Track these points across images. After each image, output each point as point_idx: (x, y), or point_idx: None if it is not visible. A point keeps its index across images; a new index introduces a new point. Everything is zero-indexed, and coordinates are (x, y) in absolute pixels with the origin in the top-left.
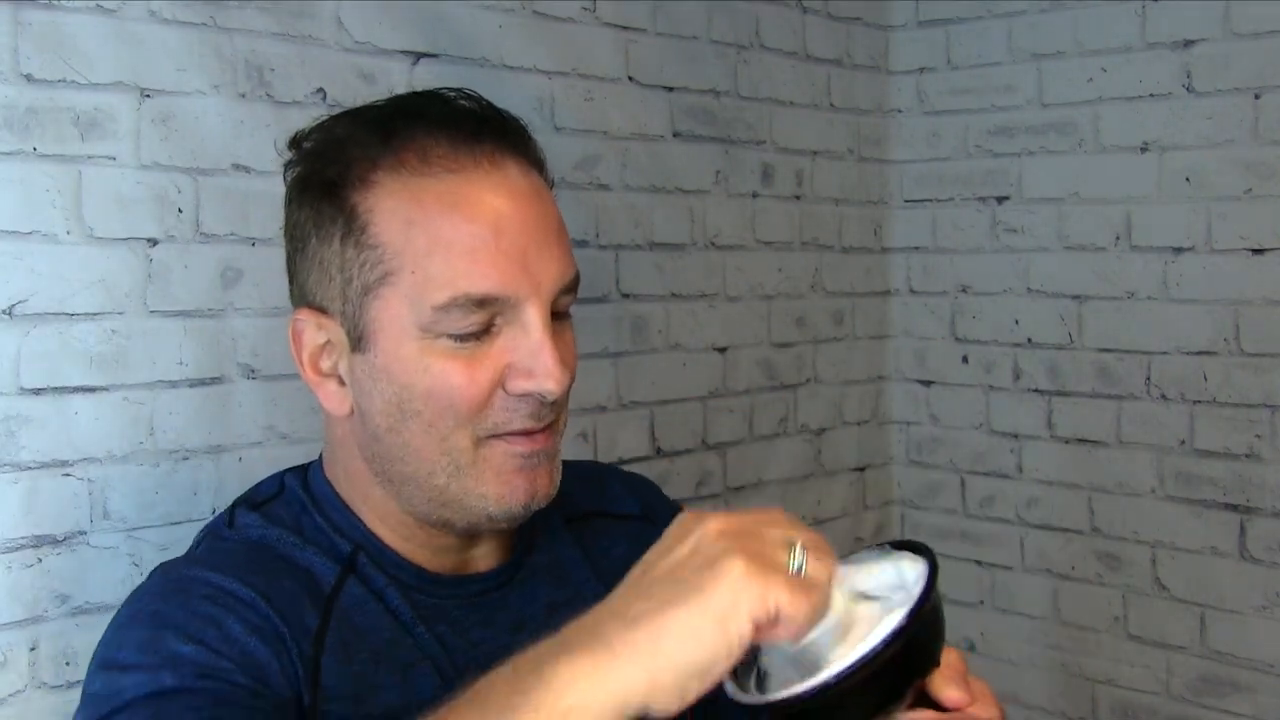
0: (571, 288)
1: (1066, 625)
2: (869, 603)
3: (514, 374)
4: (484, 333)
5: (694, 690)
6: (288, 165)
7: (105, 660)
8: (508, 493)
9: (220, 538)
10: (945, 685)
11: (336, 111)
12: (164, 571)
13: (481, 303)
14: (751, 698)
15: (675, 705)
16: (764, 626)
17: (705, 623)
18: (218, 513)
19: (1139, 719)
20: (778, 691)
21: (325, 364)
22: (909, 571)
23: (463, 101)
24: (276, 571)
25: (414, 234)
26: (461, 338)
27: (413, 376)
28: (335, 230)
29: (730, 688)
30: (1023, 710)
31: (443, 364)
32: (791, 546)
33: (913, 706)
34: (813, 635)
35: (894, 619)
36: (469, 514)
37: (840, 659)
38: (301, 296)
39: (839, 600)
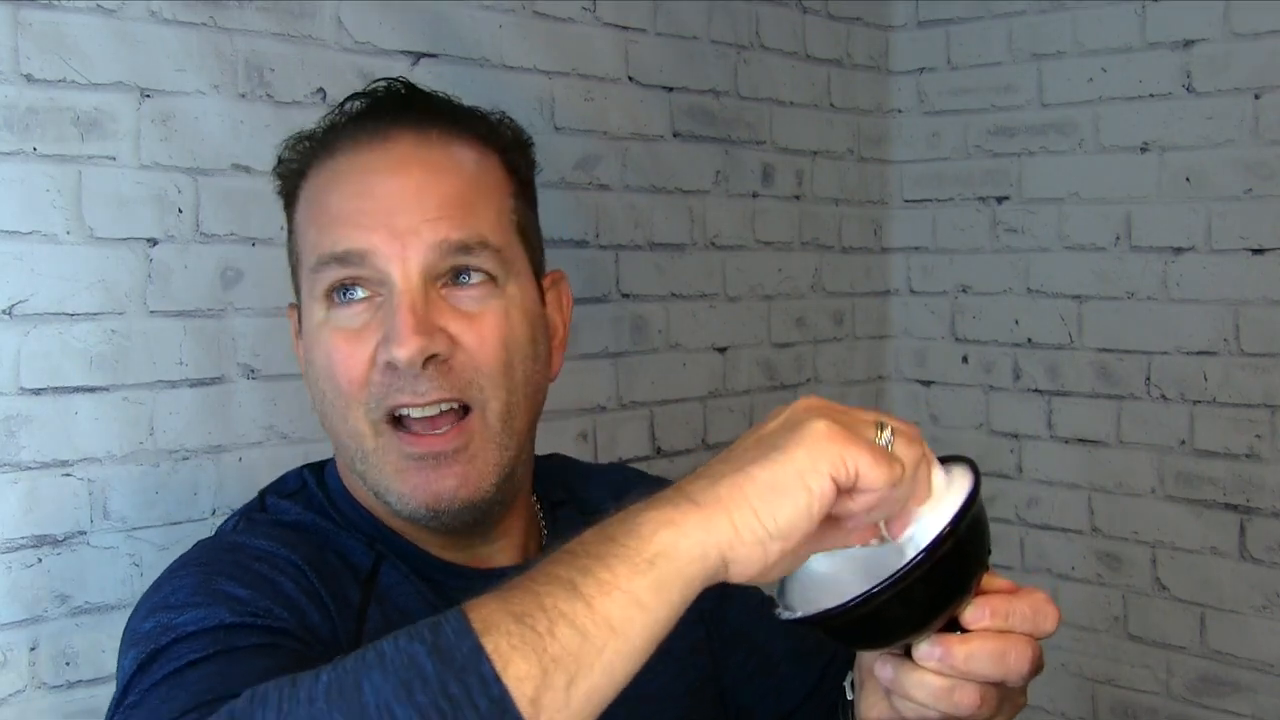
0: (462, 249)
1: (1066, 625)
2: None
3: (381, 344)
4: (366, 308)
5: (775, 551)
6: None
7: (155, 605)
8: (408, 491)
9: (254, 520)
10: (968, 607)
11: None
12: (207, 542)
13: (342, 259)
14: (794, 615)
15: (757, 564)
16: (844, 488)
17: (785, 477)
18: (218, 512)
19: (1139, 719)
20: (813, 609)
21: (303, 353)
22: (950, 495)
23: (379, 83)
24: (318, 547)
25: (311, 213)
26: (345, 313)
27: (314, 353)
28: (289, 226)
29: (779, 609)
30: (1023, 710)
31: (333, 341)
32: (881, 427)
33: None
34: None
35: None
36: (395, 509)
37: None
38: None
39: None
